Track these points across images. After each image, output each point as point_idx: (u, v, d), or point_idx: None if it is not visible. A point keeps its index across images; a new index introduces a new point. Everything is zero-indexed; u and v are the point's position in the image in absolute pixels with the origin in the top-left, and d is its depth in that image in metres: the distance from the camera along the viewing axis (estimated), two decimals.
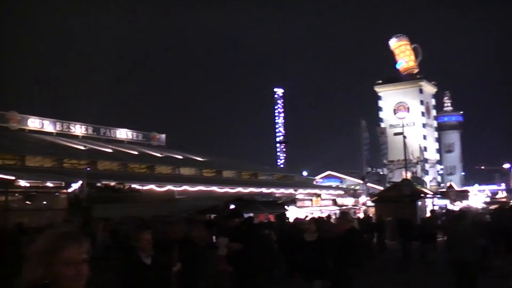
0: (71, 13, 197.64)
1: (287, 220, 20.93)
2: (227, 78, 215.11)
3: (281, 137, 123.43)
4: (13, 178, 34.93)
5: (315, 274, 9.17)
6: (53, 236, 2.57)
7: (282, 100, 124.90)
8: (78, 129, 64.34)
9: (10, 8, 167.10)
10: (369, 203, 46.37)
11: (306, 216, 29.38)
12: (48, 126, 60.48)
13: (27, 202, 26.32)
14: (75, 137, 62.20)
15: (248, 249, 8.58)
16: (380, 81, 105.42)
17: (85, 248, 2.55)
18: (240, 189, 51.12)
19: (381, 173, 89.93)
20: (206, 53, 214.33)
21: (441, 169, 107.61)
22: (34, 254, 2.50)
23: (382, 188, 57.89)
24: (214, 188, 51.04)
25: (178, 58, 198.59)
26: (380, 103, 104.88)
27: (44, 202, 28.62)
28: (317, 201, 47.36)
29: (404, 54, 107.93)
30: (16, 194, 27.21)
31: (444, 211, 38.74)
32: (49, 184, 35.72)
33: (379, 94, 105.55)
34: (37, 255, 2.51)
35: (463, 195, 59.76)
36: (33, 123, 58.91)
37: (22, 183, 34.43)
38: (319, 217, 14.92)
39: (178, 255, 7.84)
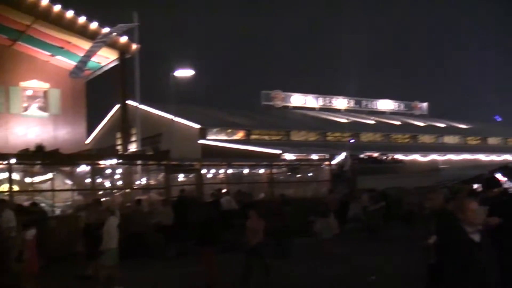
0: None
1: None
2: (488, 39, 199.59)
3: None
4: (279, 152, 37.47)
5: None
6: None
7: None
8: (340, 103, 65.77)
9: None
10: None
11: None
12: (311, 101, 62.85)
13: (292, 174, 27.45)
14: (337, 110, 63.81)
15: (505, 222, 7.60)
16: None
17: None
18: (506, 157, 48.14)
19: None
20: (463, 17, 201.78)
21: None
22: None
23: None
24: (479, 156, 49.20)
25: (434, 23, 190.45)
26: None
27: (310, 174, 29.47)
28: None
29: None
30: (282, 167, 28.56)
31: None
32: (314, 156, 37.15)
33: None
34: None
35: None
36: (297, 99, 61.70)
37: (288, 156, 36.54)
38: None
39: (435, 227, 7.24)
